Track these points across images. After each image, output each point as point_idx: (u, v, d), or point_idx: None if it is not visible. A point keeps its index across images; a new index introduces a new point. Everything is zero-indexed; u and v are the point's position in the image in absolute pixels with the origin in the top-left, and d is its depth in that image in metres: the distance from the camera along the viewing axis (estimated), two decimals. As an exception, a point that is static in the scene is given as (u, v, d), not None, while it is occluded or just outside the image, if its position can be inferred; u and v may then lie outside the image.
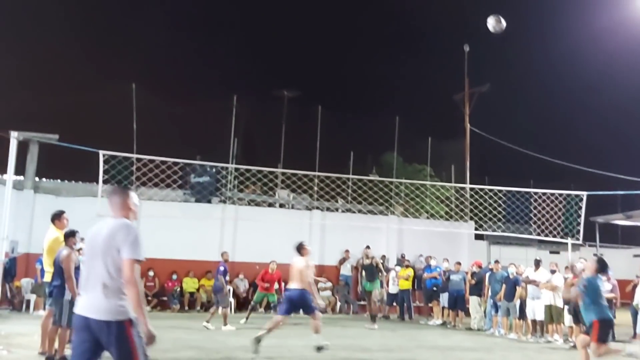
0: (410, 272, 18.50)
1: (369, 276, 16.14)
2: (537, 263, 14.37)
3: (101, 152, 12.59)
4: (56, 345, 8.24)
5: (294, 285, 10.10)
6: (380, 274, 16.69)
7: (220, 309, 13.87)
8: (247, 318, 15.39)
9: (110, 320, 4.10)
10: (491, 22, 12.99)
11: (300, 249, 10.48)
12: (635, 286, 14.08)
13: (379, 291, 17.03)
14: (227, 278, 14.44)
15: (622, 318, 13.81)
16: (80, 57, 29.51)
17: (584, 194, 15.10)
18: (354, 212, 21.82)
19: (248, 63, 35.25)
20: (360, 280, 17.83)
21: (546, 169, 24.19)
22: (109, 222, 4.36)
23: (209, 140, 23.61)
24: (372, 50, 39.30)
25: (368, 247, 16.87)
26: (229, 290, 15.94)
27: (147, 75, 27.94)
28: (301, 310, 10.29)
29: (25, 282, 16.59)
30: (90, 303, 4.16)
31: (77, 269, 8.40)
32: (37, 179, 19.17)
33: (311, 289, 10.17)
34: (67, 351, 8.13)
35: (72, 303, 8.13)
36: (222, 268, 13.97)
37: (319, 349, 9.68)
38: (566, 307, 13.27)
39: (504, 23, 12.95)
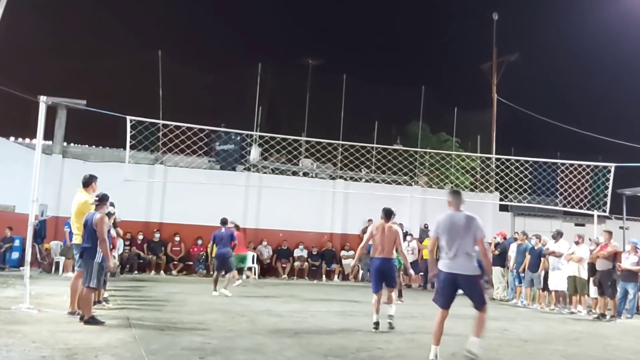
0: (433, 242, 18.53)
1: None
2: (557, 234, 14.29)
3: (128, 118, 12.66)
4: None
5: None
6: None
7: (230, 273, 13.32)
8: None
9: (472, 274, 6.54)
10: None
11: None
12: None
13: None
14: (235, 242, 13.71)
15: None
16: (107, 24, 29.60)
17: (611, 165, 14.87)
18: (377, 181, 21.79)
19: (273, 31, 34.96)
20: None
21: (574, 141, 23.76)
22: (461, 214, 6.68)
23: (234, 108, 23.64)
24: (399, 19, 38.75)
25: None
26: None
27: (173, 42, 27.94)
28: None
29: (55, 245, 16.95)
30: (459, 265, 6.52)
31: (107, 232, 8.55)
32: (65, 144, 19.46)
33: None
34: (94, 312, 8.34)
35: (101, 265, 8.31)
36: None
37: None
38: (591, 278, 13.23)
39: None
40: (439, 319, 6.76)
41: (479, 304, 6.64)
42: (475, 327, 6.64)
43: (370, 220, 20.22)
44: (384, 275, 9.29)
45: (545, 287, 14.16)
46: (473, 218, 6.66)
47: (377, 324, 8.92)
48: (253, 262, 18.71)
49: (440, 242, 6.74)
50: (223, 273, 13.34)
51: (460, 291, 6.69)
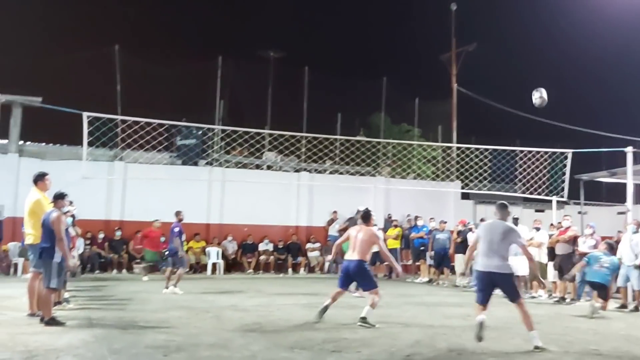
0: (398, 231, 18.70)
1: None
2: (515, 221, 14.52)
3: (85, 114, 12.41)
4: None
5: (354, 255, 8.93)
6: None
7: (179, 269, 12.94)
8: None
9: (505, 273, 7.26)
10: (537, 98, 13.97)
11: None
12: (618, 242, 14.29)
13: None
14: (184, 239, 13.52)
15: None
16: (63, 19, 28.90)
17: (569, 152, 15.21)
18: (341, 173, 21.87)
19: (233, 23, 34.69)
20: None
21: (533, 128, 24.18)
22: (500, 223, 7.44)
23: (195, 102, 23.35)
24: (359, 11, 38.82)
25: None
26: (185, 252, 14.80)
27: (130, 37, 27.39)
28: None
29: (13, 246, 16.56)
30: (494, 264, 7.19)
31: (66, 231, 8.37)
32: (21, 142, 18.96)
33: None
34: (55, 313, 8.17)
35: (61, 265, 8.13)
36: (177, 229, 12.95)
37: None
38: (550, 263, 13.50)
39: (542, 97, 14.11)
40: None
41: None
42: (524, 322, 7.33)
43: (335, 212, 20.29)
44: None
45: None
46: (511, 229, 7.49)
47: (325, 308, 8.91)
48: (218, 258, 18.59)
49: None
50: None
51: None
